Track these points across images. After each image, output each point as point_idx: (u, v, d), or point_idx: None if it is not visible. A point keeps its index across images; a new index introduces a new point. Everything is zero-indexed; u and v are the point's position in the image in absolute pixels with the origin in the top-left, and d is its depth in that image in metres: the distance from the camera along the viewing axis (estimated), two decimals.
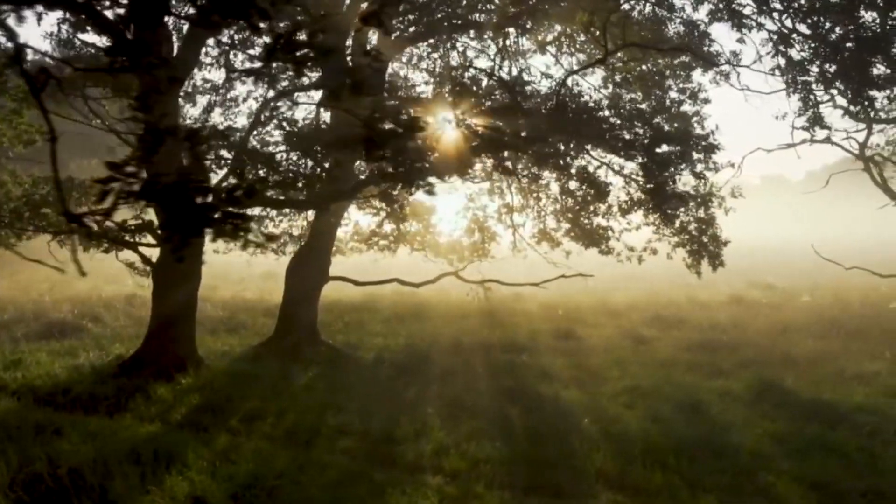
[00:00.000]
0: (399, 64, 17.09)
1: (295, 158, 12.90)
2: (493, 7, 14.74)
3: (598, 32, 13.62)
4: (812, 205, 77.37)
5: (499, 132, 9.92)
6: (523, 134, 11.23)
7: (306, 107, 15.86)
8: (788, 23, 13.26)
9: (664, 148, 12.77)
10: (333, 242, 15.55)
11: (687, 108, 15.42)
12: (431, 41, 15.66)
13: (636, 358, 13.48)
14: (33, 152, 14.54)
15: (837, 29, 12.29)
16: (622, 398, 10.41)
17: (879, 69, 12.23)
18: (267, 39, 3.49)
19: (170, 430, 8.34)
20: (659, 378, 11.53)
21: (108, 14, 5.49)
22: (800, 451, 7.96)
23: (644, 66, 15.91)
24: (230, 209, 2.84)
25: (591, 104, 13.55)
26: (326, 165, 13.13)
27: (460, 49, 15.96)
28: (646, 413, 9.55)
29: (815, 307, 20.71)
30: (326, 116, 14.61)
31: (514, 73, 16.18)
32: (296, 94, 13.98)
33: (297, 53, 3.39)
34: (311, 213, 15.18)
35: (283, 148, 13.32)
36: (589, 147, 13.76)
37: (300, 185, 12.58)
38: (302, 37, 3.47)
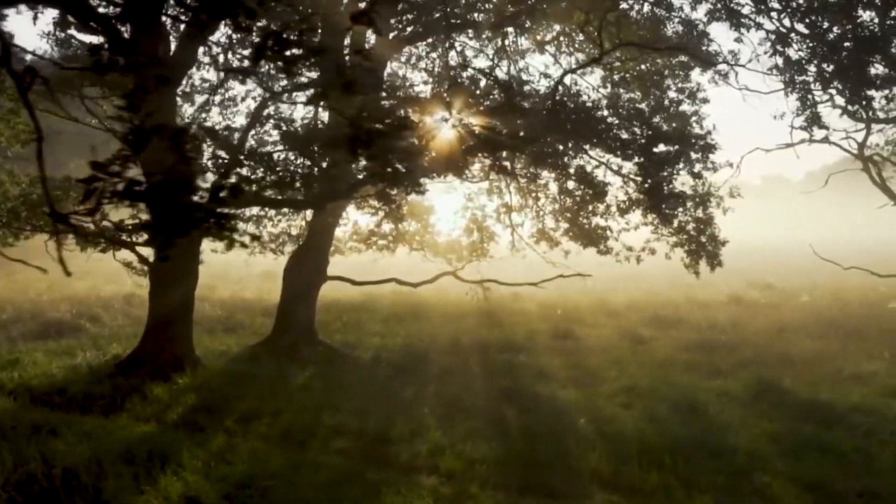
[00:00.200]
0: (398, 64, 17.10)
1: (292, 158, 12.88)
2: (490, 6, 14.72)
3: (594, 32, 13.60)
4: (812, 205, 77.45)
5: (494, 132, 9.91)
6: (521, 134, 11.22)
7: (305, 106, 15.80)
8: (787, 22, 13.25)
9: (661, 147, 12.74)
10: (331, 242, 15.54)
11: (686, 107, 15.42)
12: (429, 41, 15.65)
13: (634, 358, 13.46)
14: (31, 152, 14.53)
15: (835, 28, 12.29)
16: (619, 398, 10.40)
17: (877, 69, 12.22)
18: (257, 39, 3.47)
19: (165, 429, 8.33)
20: (656, 378, 11.51)
21: (102, 12, 5.48)
22: (796, 451, 7.95)
23: (643, 66, 15.90)
24: (215, 209, 2.83)
25: (589, 104, 13.54)
26: (324, 165, 13.12)
27: (458, 49, 15.95)
28: (643, 413, 9.53)
29: (813, 307, 20.70)
30: (326, 116, 14.62)
31: (514, 72, 16.22)
32: (294, 94, 13.96)
33: (287, 53, 3.37)
34: (309, 213, 15.17)
35: (279, 147, 13.31)
36: (587, 147, 13.75)
37: (298, 184, 12.57)
38: (293, 36, 3.45)
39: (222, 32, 14.15)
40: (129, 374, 10.94)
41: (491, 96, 13.05)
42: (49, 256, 14.85)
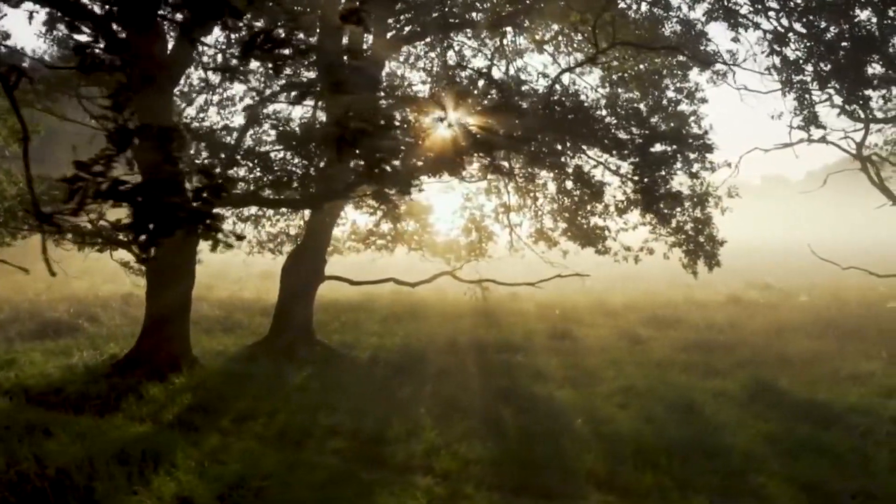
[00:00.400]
0: (396, 63, 17.07)
1: (289, 158, 12.87)
2: (488, 6, 14.71)
3: (589, 31, 13.58)
4: (811, 205, 77.43)
5: (490, 132, 9.89)
6: (517, 133, 11.20)
7: (296, 106, 15.77)
8: (784, 21, 13.23)
9: (658, 147, 12.72)
10: (329, 242, 15.52)
11: (684, 107, 15.42)
12: (428, 40, 15.63)
13: (632, 358, 13.44)
14: (30, 151, 14.49)
15: (833, 28, 12.27)
16: (616, 398, 10.37)
17: (874, 68, 12.21)
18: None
19: (160, 429, 8.32)
20: (654, 378, 11.49)
21: (97, 11, 5.46)
22: (792, 451, 7.92)
23: (641, 66, 15.88)
24: (199, 209, 2.82)
25: (588, 104, 13.53)
26: (321, 165, 13.10)
27: (456, 48, 15.93)
28: (639, 413, 9.51)
29: (812, 307, 20.67)
30: (325, 116, 14.60)
31: (512, 72, 16.20)
32: (284, 94, 13.93)
33: (276, 52, 3.36)
34: (307, 213, 15.16)
35: (277, 147, 13.30)
36: (585, 147, 13.74)
37: (295, 184, 12.55)
38: (281, 34, 3.43)
39: (219, 32, 14.13)
40: (125, 373, 10.94)
41: (489, 96, 13.05)
42: (47, 256, 14.86)
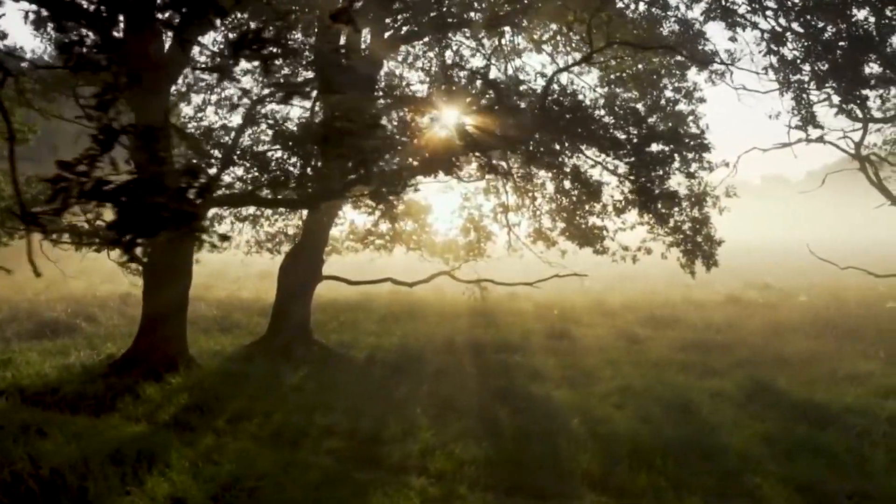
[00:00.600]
0: (395, 63, 17.04)
1: (286, 157, 12.85)
2: (485, 6, 14.67)
3: (585, 30, 13.56)
4: (810, 205, 77.37)
5: (484, 131, 9.87)
6: (512, 133, 11.17)
7: (303, 106, 15.75)
8: (782, 21, 13.21)
9: (654, 147, 12.69)
10: (326, 241, 15.51)
11: (682, 107, 15.40)
12: (425, 40, 15.60)
13: (629, 358, 13.43)
14: (27, 151, 14.49)
15: (830, 28, 12.24)
16: (613, 398, 10.35)
17: (872, 68, 12.19)
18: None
19: (155, 430, 8.31)
20: (651, 378, 11.48)
21: (91, 9, 5.43)
22: (788, 452, 7.90)
23: (639, 66, 15.86)
24: (183, 209, 2.80)
25: (586, 103, 13.49)
26: (319, 164, 13.08)
27: (454, 48, 15.90)
28: (635, 413, 9.49)
29: (811, 307, 20.65)
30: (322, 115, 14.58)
31: (510, 72, 16.18)
32: (277, 94, 13.87)
33: (265, 52, 3.34)
34: (305, 212, 15.14)
35: (269, 147, 13.28)
36: (583, 146, 13.71)
37: (292, 184, 12.53)
38: (270, 34, 3.42)
39: (215, 33, 14.11)
40: (122, 373, 10.93)
41: (487, 96, 13.02)
42: (44, 256, 14.87)
